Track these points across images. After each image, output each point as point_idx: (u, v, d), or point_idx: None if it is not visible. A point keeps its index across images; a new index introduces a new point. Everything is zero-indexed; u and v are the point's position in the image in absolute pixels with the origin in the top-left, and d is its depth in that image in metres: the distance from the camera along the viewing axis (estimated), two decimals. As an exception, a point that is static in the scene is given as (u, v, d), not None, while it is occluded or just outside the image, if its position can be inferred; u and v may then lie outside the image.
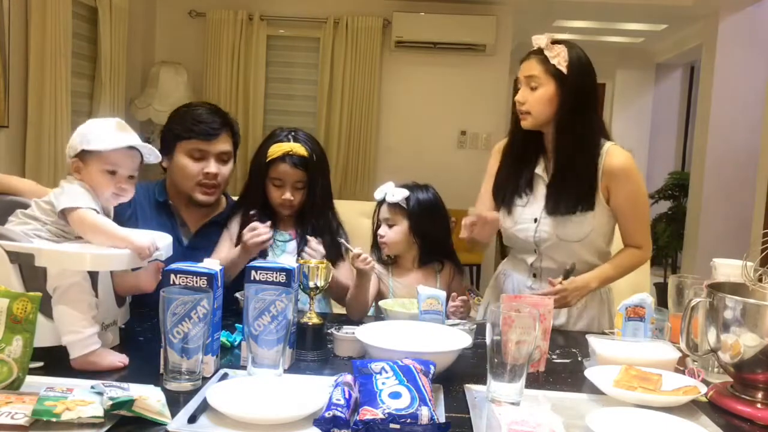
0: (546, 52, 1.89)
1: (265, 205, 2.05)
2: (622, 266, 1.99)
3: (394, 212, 2.08)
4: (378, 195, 2.09)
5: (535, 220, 1.98)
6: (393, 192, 2.06)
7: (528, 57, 1.93)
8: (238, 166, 3.00)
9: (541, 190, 2.00)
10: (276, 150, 2.02)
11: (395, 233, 2.07)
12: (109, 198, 1.52)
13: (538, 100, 1.90)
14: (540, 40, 1.92)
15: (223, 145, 2.03)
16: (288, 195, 2.02)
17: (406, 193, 2.06)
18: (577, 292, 1.90)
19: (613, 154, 1.93)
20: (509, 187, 2.03)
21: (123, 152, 1.51)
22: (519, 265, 2.08)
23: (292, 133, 2.06)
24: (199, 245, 1.66)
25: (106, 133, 1.50)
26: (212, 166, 2.01)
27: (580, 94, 1.91)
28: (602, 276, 1.96)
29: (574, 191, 1.93)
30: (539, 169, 2.00)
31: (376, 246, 2.12)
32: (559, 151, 1.95)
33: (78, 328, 1.36)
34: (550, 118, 1.92)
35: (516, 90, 1.96)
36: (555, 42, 1.90)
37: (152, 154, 1.57)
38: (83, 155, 1.49)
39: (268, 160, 2.02)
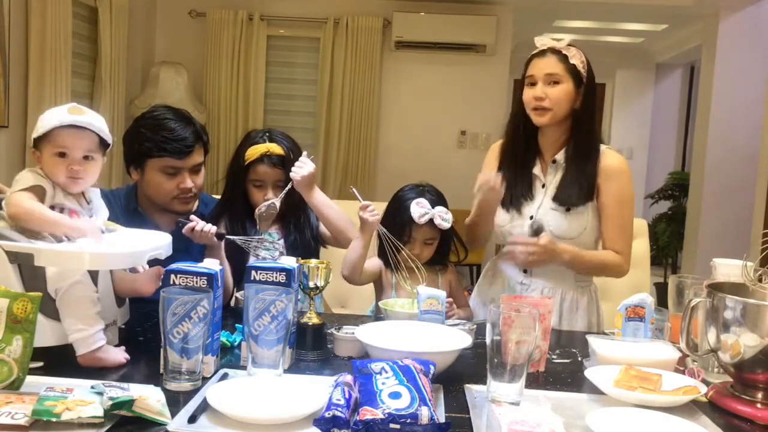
0: (565, 52, 1.94)
1: (247, 208, 2.06)
2: (596, 259, 1.99)
3: (434, 232, 1.98)
4: (423, 218, 1.92)
5: (531, 218, 2.01)
6: (445, 216, 1.95)
7: (544, 54, 1.96)
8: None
9: (537, 190, 2.04)
10: (253, 152, 2.02)
11: (431, 250, 2.03)
12: (67, 183, 1.45)
13: (560, 96, 1.93)
14: (543, 41, 1.96)
15: (197, 158, 2.00)
16: (270, 195, 2.01)
17: (449, 213, 1.99)
18: (546, 254, 1.88)
19: (609, 155, 2.02)
20: (514, 189, 2.04)
21: (71, 132, 1.43)
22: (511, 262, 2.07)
23: (267, 134, 2.07)
24: (176, 247, 1.63)
25: (55, 116, 1.44)
26: (187, 182, 1.98)
27: (592, 95, 1.98)
28: (577, 256, 1.94)
29: (578, 186, 1.97)
30: (536, 170, 2.05)
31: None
32: (571, 148, 1.99)
33: (84, 326, 1.36)
34: (565, 116, 1.96)
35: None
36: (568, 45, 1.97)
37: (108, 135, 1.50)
38: (38, 143, 1.45)
39: (246, 163, 2.02)
